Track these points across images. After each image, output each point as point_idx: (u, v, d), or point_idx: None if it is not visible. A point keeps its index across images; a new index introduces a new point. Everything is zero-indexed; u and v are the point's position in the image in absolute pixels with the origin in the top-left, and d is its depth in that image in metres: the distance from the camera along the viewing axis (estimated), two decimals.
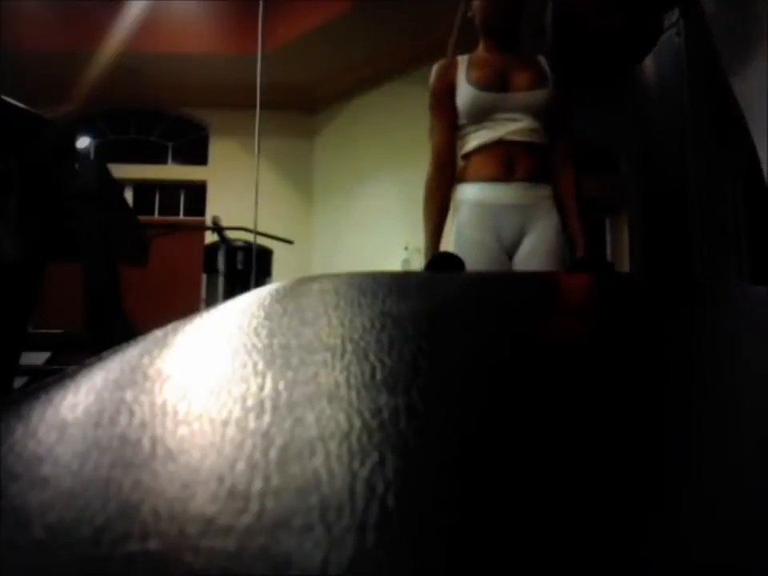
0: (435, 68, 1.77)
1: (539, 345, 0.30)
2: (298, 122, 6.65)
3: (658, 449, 0.20)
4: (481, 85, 1.68)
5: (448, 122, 1.73)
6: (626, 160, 4.59)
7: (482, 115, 1.67)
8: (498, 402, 0.22)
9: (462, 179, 1.73)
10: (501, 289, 0.45)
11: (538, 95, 1.67)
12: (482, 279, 0.55)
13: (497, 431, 0.20)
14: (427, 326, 0.32)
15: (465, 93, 1.69)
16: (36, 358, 2.32)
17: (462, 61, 1.74)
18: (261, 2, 3.54)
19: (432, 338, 0.30)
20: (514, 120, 1.66)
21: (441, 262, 1.59)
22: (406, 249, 5.32)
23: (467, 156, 1.72)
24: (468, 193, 1.71)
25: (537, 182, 1.68)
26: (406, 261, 5.35)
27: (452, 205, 1.75)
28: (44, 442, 0.21)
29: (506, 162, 1.67)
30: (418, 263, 5.12)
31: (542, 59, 1.74)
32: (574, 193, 1.73)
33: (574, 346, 0.30)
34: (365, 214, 6.01)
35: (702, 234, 2.78)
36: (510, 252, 1.70)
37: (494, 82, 1.68)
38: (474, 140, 1.70)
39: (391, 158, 5.77)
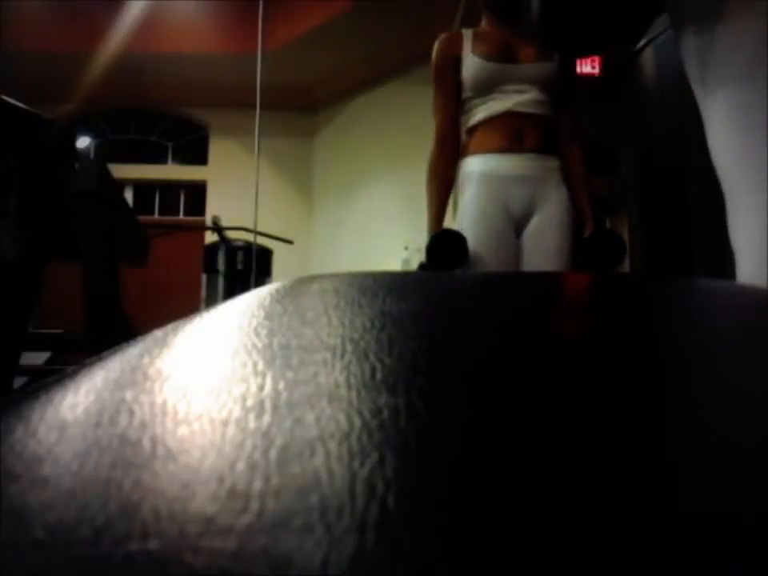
0: (438, 41, 1.73)
1: (540, 344, 0.30)
2: (298, 122, 6.65)
3: (659, 448, 0.20)
4: (487, 56, 1.64)
5: (452, 96, 1.69)
6: (625, 160, 4.59)
7: (488, 87, 1.64)
8: (498, 402, 0.22)
9: (468, 152, 1.68)
10: (502, 288, 0.45)
11: (545, 67, 1.64)
12: (483, 279, 0.55)
13: (497, 431, 0.20)
14: (427, 326, 0.32)
15: (471, 64, 1.65)
16: (36, 358, 2.32)
17: (467, 34, 1.71)
18: (261, 2, 3.54)
19: (432, 337, 0.30)
20: (521, 92, 1.63)
21: (442, 240, 1.57)
22: (406, 249, 5.32)
23: (472, 129, 1.68)
24: (475, 165, 1.65)
25: (545, 153, 1.64)
26: (406, 261, 5.36)
27: (457, 181, 1.70)
28: (44, 442, 0.21)
29: (513, 132, 1.62)
30: (418, 263, 5.11)
31: None
32: (581, 166, 1.70)
33: (575, 346, 0.30)
34: (365, 213, 6.02)
35: (702, 234, 2.78)
36: (519, 226, 1.65)
37: (501, 54, 1.65)
38: (480, 112, 1.65)
39: (391, 158, 5.78)
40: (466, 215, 1.64)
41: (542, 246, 1.64)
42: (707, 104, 0.94)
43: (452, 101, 1.70)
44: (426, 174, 1.71)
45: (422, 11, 4.95)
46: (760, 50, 0.84)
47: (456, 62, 1.68)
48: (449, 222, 1.72)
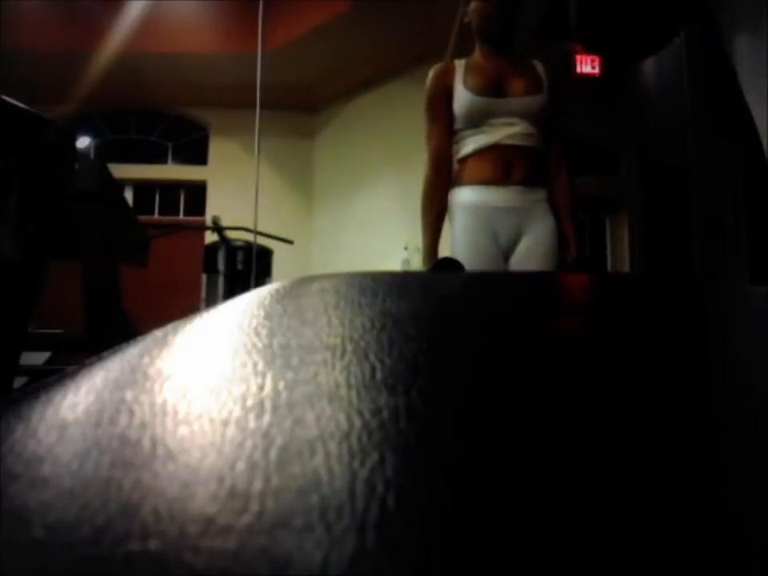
0: (432, 73, 1.78)
1: (540, 344, 0.30)
2: (298, 122, 6.65)
3: (658, 448, 0.20)
4: (478, 90, 1.69)
5: (444, 126, 1.75)
6: (625, 160, 4.59)
7: (478, 120, 1.69)
8: (498, 402, 0.22)
9: (458, 183, 1.75)
10: (501, 289, 0.45)
11: (533, 101, 1.70)
12: (483, 279, 0.55)
13: (497, 431, 0.20)
14: (427, 326, 0.32)
15: (462, 98, 1.70)
16: (36, 358, 2.32)
17: (459, 65, 1.75)
18: (261, 2, 3.54)
19: (432, 338, 0.30)
20: (510, 124, 1.68)
21: (444, 268, 1.61)
22: (405, 249, 5.32)
23: (463, 160, 1.74)
24: (464, 196, 1.72)
25: (532, 185, 1.71)
26: (405, 261, 5.36)
27: (448, 209, 1.77)
28: (44, 442, 0.21)
29: (502, 165, 1.69)
30: (418, 263, 5.11)
31: (537, 63, 1.76)
32: (568, 196, 1.77)
33: (575, 346, 0.30)
34: (365, 213, 6.01)
35: (702, 234, 2.78)
36: (507, 254, 1.72)
37: (491, 88, 1.70)
38: (471, 144, 1.71)
39: (391, 158, 5.77)
40: (459, 245, 1.72)
41: (528, 268, 1.71)
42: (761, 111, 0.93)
43: (445, 130, 1.75)
44: (421, 201, 1.77)
45: (422, 11, 4.95)
46: None
47: (448, 95, 1.73)
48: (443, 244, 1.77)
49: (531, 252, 1.70)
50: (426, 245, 1.74)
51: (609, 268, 5.48)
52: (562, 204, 1.75)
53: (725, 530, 0.16)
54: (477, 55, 1.78)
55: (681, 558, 0.15)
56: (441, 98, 1.74)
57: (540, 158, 1.72)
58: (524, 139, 1.69)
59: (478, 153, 1.70)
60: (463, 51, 1.83)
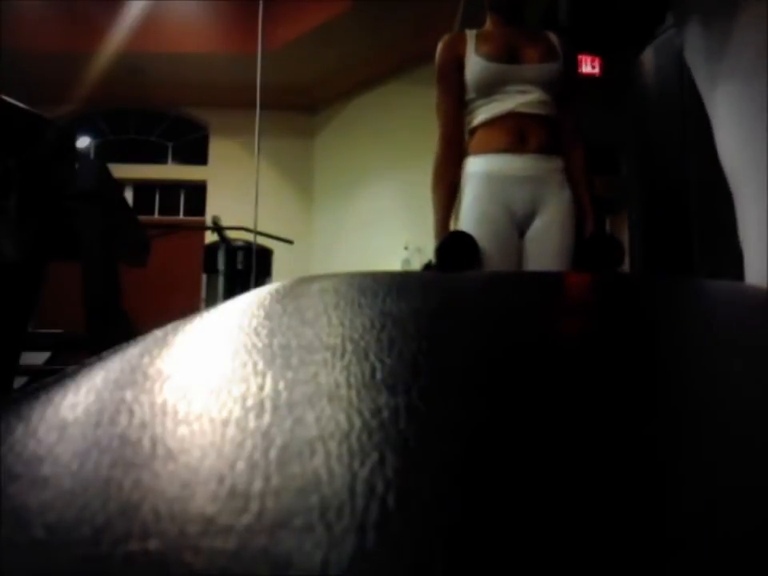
0: (442, 41, 1.73)
1: (540, 344, 0.30)
2: (298, 122, 6.66)
3: (657, 448, 0.20)
4: (491, 56, 1.64)
5: (456, 97, 1.69)
6: (625, 160, 4.59)
7: (491, 87, 1.64)
8: (499, 402, 0.22)
9: (470, 152, 1.68)
10: (503, 289, 0.45)
11: (548, 68, 1.64)
12: (484, 279, 0.55)
13: (498, 431, 0.20)
14: (427, 326, 0.32)
15: (474, 65, 1.65)
16: (36, 358, 2.32)
17: (470, 35, 1.71)
18: (261, 2, 3.54)
19: (432, 337, 0.30)
20: (524, 92, 1.63)
21: (453, 241, 1.57)
22: (406, 249, 5.33)
23: (476, 129, 1.68)
24: (478, 165, 1.65)
25: (549, 153, 1.64)
26: (406, 261, 5.36)
27: (460, 183, 1.70)
28: (44, 442, 0.21)
29: (516, 133, 1.62)
30: (418, 263, 5.12)
31: (550, 34, 1.71)
32: (583, 167, 1.70)
33: (576, 347, 0.30)
34: (365, 213, 6.02)
35: (702, 234, 2.78)
36: (522, 227, 1.65)
37: (504, 54, 1.65)
38: (483, 113, 1.66)
39: (391, 158, 5.78)
40: (467, 216, 1.64)
41: (545, 248, 1.64)
42: (714, 98, 0.93)
43: (456, 102, 1.69)
44: (431, 177, 1.70)
45: (422, 11, 4.95)
46: None
47: (459, 63, 1.68)
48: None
49: (548, 227, 1.63)
50: (437, 223, 1.66)
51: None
52: (578, 176, 1.68)
53: (724, 528, 0.16)
54: (488, 25, 1.74)
55: (676, 557, 0.15)
56: (452, 67, 1.68)
57: (555, 127, 1.66)
58: (539, 107, 1.63)
59: (492, 121, 1.64)
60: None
